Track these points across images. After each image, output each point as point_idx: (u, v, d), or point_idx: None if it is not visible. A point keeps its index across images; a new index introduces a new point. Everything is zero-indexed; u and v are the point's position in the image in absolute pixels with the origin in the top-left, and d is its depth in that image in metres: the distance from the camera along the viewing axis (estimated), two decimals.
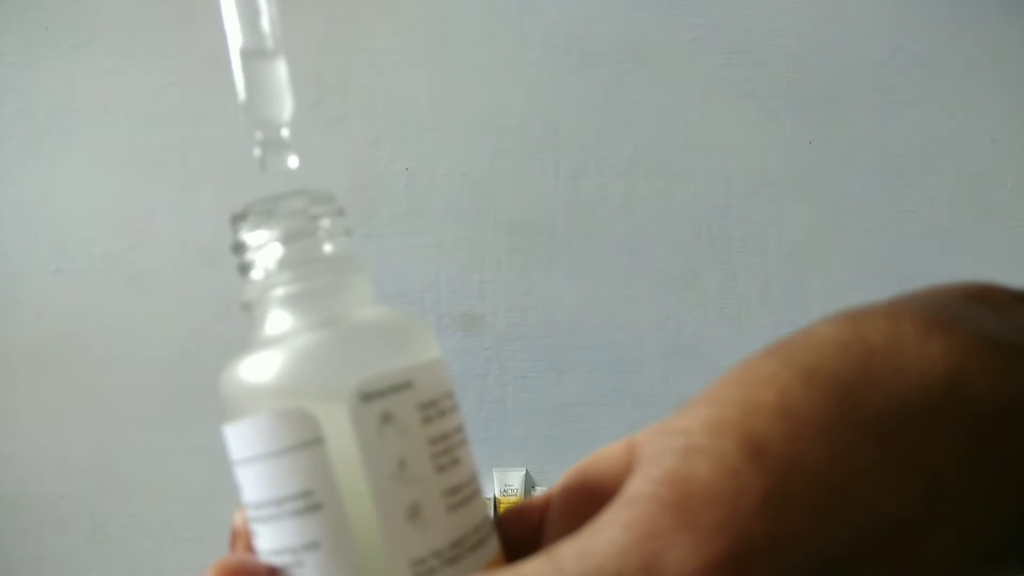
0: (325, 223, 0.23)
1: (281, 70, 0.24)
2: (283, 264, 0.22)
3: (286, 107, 0.24)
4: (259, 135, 0.23)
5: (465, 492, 0.22)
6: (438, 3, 1.12)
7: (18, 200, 1.09)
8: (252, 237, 0.22)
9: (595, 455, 0.24)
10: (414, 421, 0.21)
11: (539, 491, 1.09)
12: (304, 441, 0.20)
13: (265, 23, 0.24)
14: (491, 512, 0.23)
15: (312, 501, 0.20)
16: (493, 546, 0.22)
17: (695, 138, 1.12)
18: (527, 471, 1.10)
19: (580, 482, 0.24)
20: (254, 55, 0.24)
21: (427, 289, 1.10)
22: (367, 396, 0.20)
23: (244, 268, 0.23)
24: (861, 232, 1.12)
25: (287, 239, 0.22)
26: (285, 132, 0.24)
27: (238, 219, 0.23)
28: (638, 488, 0.18)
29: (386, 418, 0.20)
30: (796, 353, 0.19)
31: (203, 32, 1.08)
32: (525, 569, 0.18)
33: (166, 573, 1.07)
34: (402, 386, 0.21)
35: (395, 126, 1.11)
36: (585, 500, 0.23)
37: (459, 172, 1.11)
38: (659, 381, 1.11)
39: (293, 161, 0.24)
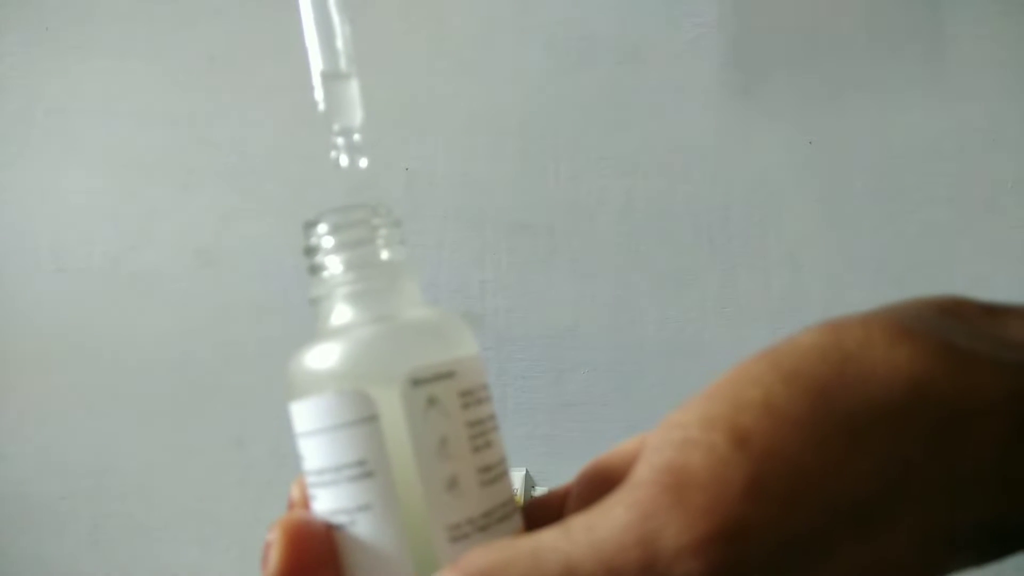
0: (383, 232, 0.27)
1: (354, 87, 0.28)
2: (347, 267, 0.26)
3: (358, 115, 0.28)
4: (337, 140, 0.28)
5: (495, 471, 0.25)
6: (438, 3, 1.12)
7: (18, 200, 1.09)
8: (322, 242, 0.27)
9: (612, 450, 0.28)
10: (455, 405, 0.25)
11: (539, 491, 1.08)
12: (362, 417, 0.24)
13: (340, 46, 0.28)
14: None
15: (366, 469, 0.24)
16: (517, 521, 0.26)
17: (695, 138, 1.12)
18: (527, 471, 1.10)
19: (595, 472, 0.27)
20: (332, 77, 0.28)
21: (427, 289, 1.10)
22: (416, 382, 0.24)
23: (314, 269, 0.27)
24: (861, 232, 1.12)
25: (352, 245, 0.26)
26: (358, 137, 0.28)
27: (310, 226, 0.27)
28: (642, 475, 0.21)
29: (431, 401, 0.24)
30: (781, 358, 0.22)
31: (203, 32, 1.08)
32: (542, 536, 0.22)
33: (166, 574, 1.07)
34: (446, 375, 0.25)
35: (395, 126, 1.11)
36: (599, 488, 0.26)
37: (459, 172, 1.11)
38: (659, 381, 1.11)
39: (364, 162, 0.28)
